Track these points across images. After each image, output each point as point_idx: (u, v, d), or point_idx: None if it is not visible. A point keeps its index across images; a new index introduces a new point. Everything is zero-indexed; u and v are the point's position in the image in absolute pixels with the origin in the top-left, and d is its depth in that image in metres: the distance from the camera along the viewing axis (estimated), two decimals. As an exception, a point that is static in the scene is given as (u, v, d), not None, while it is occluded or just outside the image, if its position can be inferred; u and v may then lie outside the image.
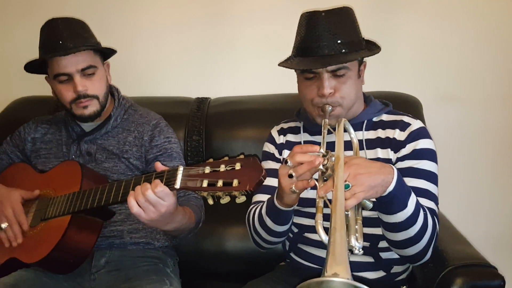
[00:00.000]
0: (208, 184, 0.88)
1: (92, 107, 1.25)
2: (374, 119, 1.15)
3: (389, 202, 0.91)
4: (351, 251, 0.79)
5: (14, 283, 1.11)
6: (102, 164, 1.29)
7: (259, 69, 1.78)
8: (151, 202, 0.92)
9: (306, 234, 1.14)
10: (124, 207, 1.24)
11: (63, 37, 1.20)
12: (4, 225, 1.17)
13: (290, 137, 1.22)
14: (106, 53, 1.32)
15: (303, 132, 1.20)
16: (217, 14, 1.80)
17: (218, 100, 1.69)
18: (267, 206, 1.07)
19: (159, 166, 0.97)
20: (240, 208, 1.19)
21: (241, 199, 0.88)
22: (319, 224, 0.82)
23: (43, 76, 1.30)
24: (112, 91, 1.37)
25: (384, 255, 1.08)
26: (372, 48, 1.11)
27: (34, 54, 1.26)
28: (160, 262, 1.26)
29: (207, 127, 1.58)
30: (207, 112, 1.62)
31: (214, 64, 1.82)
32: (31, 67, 1.26)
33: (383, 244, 1.06)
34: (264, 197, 1.15)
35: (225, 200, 0.90)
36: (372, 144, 1.11)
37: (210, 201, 0.92)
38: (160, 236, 1.30)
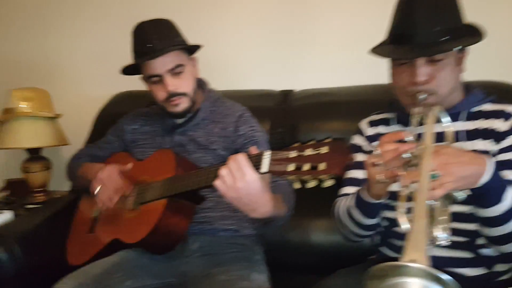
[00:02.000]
0: (295, 168, 0.89)
1: (183, 104, 1.32)
2: (474, 109, 1.07)
3: (483, 195, 0.86)
4: (434, 241, 0.75)
5: (119, 262, 1.21)
6: (192, 154, 1.35)
7: (344, 60, 1.76)
8: (231, 171, 0.93)
9: (397, 228, 1.09)
10: (214, 194, 1.29)
11: (152, 41, 1.26)
12: (98, 189, 1.27)
13: (381, 129, 1.18)
14: (193, 49, 1.38)
15: (397, 123, 1.16)
16: (300, 5, 1.81)
17: (303, 93, 1.69)
18: (355, 198, 1.05)
19: (252, 150, 0.99)
20: (326, 200, 1.19)
21: (328, 183, 0.87)
22: (400, 212, 0.79)
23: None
24: (200, 84, 1.43)
25: (484, 251, 1.01)
26: (475, 34, 1.02)
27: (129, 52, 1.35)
28: (249, 249, 1.29)
29: (291, 120, 1.59)
30: (292, 105, 1.63)
31: (298, 56, 1.83)
32: (128, 70, 1.35)
33: (482, 240, 0.99)
34: (351, 190, 1.13)
35: (311, 184, 0.90)
36: (470, 135, 1.04)
37: (297, 185, 0.92)
38: (248, 224, 1.33)
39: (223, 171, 0.95)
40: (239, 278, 1.14)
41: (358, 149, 1.20)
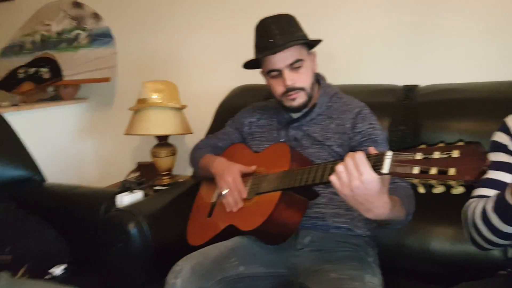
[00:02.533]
0: (420, 172, 0.83)
1: (300, 99, 1.32)
2: None
3: None
4: None
5: (234, 247, 1.27)
6: (306, 149, 1.35)
7: (477, 52, 1.59)
8: (347, 169, 0.91)
9: None
10: (328, 190, 1.28)
11: (273, 36, 1.28)
12: (225, 191, 1.33)
13: None
14: (313, 43, 1.37)
15: None
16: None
17: (429, 88, 1.57)
18: (495, 202, 0.95)
19: (371, 150, 0.96)
20: (450, 206, 1.09)
21: (458, 190, 0.80)
22: None
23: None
24: (318, 79, 1.42)
25: None
26: None
27: (252, 47, 1.38)
28: (362, 250, 1.25)
29: (415, 117, 1.49)
30: (416, 101, 1.53)
31: (424, 49, 1.71)
32: (249, 64, 1.39)
33: None
34: (488, 192, 1.02)
35: (438, 189, 0.83)
36: None
37: (421, 190, 0.87)
38: (362, 224, 1.29)
39: (340, 168, 0.93)
40: (351, 278, 1.11)
41: (501, 147, 1.07)
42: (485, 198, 0.99)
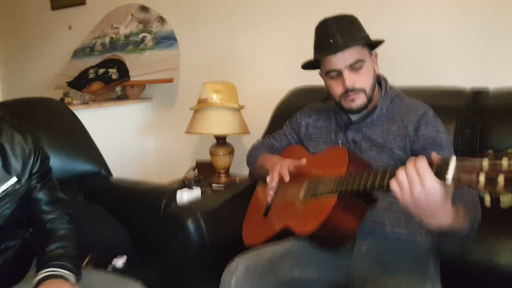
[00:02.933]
0: (487, 180, 0.79)
1: (359, 100, 1.29)
2: None
3: None
4: None
5: (289, 249, 1.27)
6: (366, 152, 1.32)
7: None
8: (409, 176, 0.88)
9: None
10: (387, 195, 1.24)
11: (333, 36, 1.26)
12: (268, 177, 1.35)
13: None
14: (375, 44, 1.34)
15: None
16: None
17: (499, 91, 1.48)
18: None
19: (434, 157, 0.92)
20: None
21: (529, 201, 0.75)
22: None
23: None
24: (379, 80, 1.38)
25: None
26: None
27: (310, 48, 1.38)
28: (422, 259, 1.20)
29: (482, 121, 1.41)
30: (484, 104, 1.44)
31: (494, 49, 1.61)
32: (308, 65, 1.38)
33: None
34: None
35: (507, 201, 0.78)
36: None
37: (487, 198, 0.82)
38: (422, 231, 1.24)
39: (401, 174, 0.91)
40: (411, 288, 1.08)
41: None
42: None
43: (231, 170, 2.20)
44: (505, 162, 0.78)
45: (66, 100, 2.39)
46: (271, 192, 1.37)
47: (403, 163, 1.24)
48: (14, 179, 1.11)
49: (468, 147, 1.41)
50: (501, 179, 0.76)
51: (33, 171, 1.15)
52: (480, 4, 1.65)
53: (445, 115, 1.38)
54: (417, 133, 1.25)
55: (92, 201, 1.69)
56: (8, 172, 1.10)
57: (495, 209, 0.82)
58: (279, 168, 1.33)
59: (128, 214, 1.61)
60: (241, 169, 2.25)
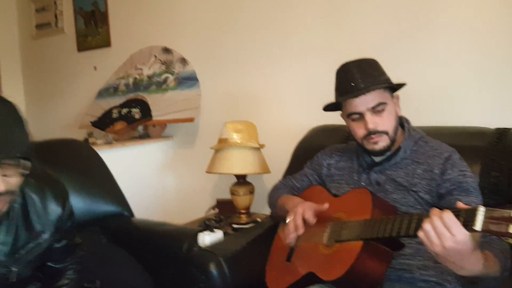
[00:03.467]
0: (518, 231, 0.77)
1: (382, 142, 1.29)
2: None
3: None
4: None
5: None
6: (390, 195, 1.31)
7: None
8: (436, 229, 0.88)
9: None
10: (415, 241, 1.22)
11: (355, 79, 1.27)
12: (288, 219, 1.33)
13: None
14: (396, 87, 1.35)
15: None
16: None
17: (524, 131, 1.46)
18: None
19: (460, 205, 0.91)
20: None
21: None
22: None
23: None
24: (402, 122, 1.39)
25: None
26: None
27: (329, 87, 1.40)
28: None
29: (509, 163, 1.38)
30: (510, 145, 1.42)
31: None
32: (328, 107, 1.39)
33: None
34: None
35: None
36: None
37: (520, 251, 0.80)
38: (452, 278, 1.21)
39: (427, 226, 0.91)
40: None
41: None
42: None
43: (252, 209, 2.19)
44: (536, 213, 0.76)
45: (91, 140, 2.45)
46: (291, 237, 1.35)
47: (430, 206, 1.24)
48: (44, 236, 1.14)
49: (495, 190, 1.38)
50: (533, 231, 0.75)
51: (60, 227, 1.18)
52: (501, 45, 1.66)
53: (470, 156, 1.36)
54: (443, 176, 1.24)
55: (114, 243, 1.69)
56: (39, 229, 1.13)
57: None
58: (303, 212, 1.32)
59: (150, 256, 1.61)
60: (261, 208, 2.24)
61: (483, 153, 1.44)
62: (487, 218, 0.83)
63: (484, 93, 1.70)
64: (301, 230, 1.31)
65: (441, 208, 1.18)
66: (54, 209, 1.15)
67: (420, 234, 0.93)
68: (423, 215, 0.99)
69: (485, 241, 1.08)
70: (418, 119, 1.47)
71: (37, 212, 1.12)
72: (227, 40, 2.47)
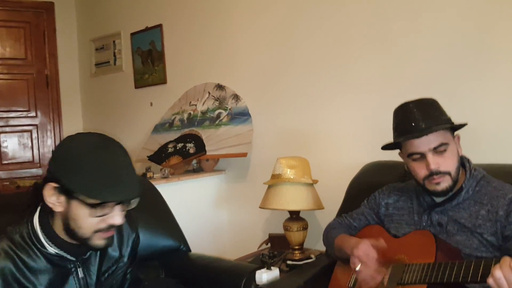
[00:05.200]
0: None
1: (444, 183, 1.28)
2: None
3: None
4: None
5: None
6: (453, 236, 1.28)
7: None
8: (507, 278, 0.88)
9: None
10: (480, 286, 1.18)
11: (416, 119, 1.28)
12: (358, 267, 1.30)
13: None
14: (457, 127, 1.34)
15: None
16: None
17: None
18: None
19: None
20: None
21: None
22: None
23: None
24: (463, 162, 1.37)
25: None
26: None
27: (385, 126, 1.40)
28: None
29: None
30: None
31: None
32: (386, 146, 1.40)
33: None
34: None
35: None
36: None
37: None
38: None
39: (498, 274, 0.89)
40: None
41: None
42: None
43: (305, 245, 2.19)
44: None
45: (148, 174, 2.55)
46: (366, 281, 1.31)
47: (496, 249, 1.20)
48: (123, 259, 1.23)
49: None
50: None
51: (135, 252, 1.27)
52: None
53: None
54: (508, 219, 1.21)
55: (173, 278, 1.74)
56: (117, 254, 1.23)
57: None
58: (366, 249, 1.30)
59: (208, 292, 1.65)
60: (314, 244, 2.23)
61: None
62: None
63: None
64: (379, 279, 1.27)
65: (506, 251, 1.15)
66: (130, 234, 1.24)
67: (490, 281, 0.92)
68: (490, 261, 0.97)
69: None
70: (478, 156, 1.45)
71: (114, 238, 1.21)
72: (280, 76, 2.54)
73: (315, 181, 2.13)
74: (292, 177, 2.07)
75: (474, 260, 1.03)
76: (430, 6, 1.95)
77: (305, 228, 2.12)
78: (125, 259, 1.24)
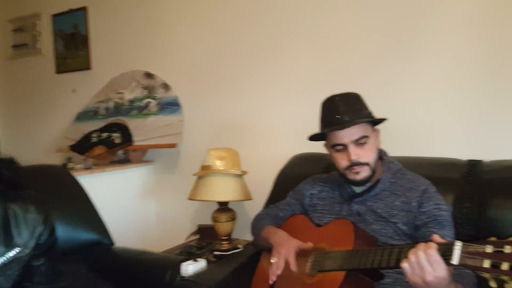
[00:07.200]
0: (491, 266, 0.82)
1: (364, 173, 1.35)
2: None
3: None
4: None
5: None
6: (370, 225, 1.36)
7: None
8: (420, 263, 0.93)
9: None
10: (393, 270, 1.26)
11: (340, 112, 1.34)
12: (274, 260, 1.35)
13: None
14: (378, 121, 1.41)
15: None
16: (494, 70, 1.70)
17: (494, 164, 1.54)
18: None
19: (436, 239, 0.97)
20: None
21: (534, 288, 0.78)
22: None
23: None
24: (381, 154, 1.45)
25: None
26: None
27: (312, 118, 1.44)
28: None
29: (481, 194, 1.46)
30: (481, 177, 1.50)
31: (489, 122, 1.70)
32: (313, 137, 1.44)
33: None
34: None
35: (511, 286, 0.82)
36: None
37: (493, 284, 0.85)
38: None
39: (412, 258, 0.95)
40: None
41: None
42: None
43: (234, 235, 2.21)
44: (508, 249, 0.82)
45: (69, 165, 2.42)
46: (274, 278, 1.35)
47: (408, 237, 1.29)
48: (19, 248, 1.14)
49: (468, 221, 1.45)
50: (505, 266, 0.80)
51: (40, 242, 1.18)
52: (474, 84, 1.76)
53: (444, 186, 1.44)
54: (420, 209, 1.30)
55: (95, 273, 1.67)
56: (17, 240, 1.14)
57: None
58: (286, 255, 1.33)
59: (132, 286, 1.60)
60: (243, 234, 2.26)
61: (456, 185, 1.51)
62: (464, 253, 0.89)
63: (458, 127, 1.79)
64: (280, 271, 1.33)
65: (417, 240, 1.24)
66: (35, 223, 1.16)
67: (404, 265, 0.98)
68: (405, 248, 1.04)
69: (456, 273, 1.14)
70: (395, 149, 1.54)
71: (17, 225, 1.14)
72: (212, 67, 2.51)
73: (245, 173, 2.15)
74: (221, 169, 2.07)
75: (388, 247, 1.10)
76: (359, 7, 2.04)
77: (233, 219, 2.14)
78: (27, 250, 1.16)
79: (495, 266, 0.82)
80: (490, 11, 1.72)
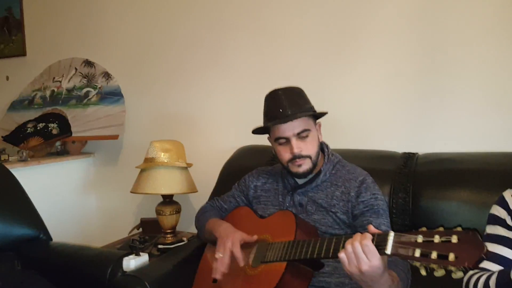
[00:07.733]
0: (421, 254, 0.87)
1: (306, 165, 1.38)
2: None
3: None
4: None
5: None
6: (312, 215, 1.39)
7: (475, 124, 1.67)
8: (356, 253, 0.97)
9: None
10: (332, 260, 1.31)
11: (283, 106, 1.36)
12: (219, 255, 1.35)
13: None
14: (319, 115, 1.45)
15: None
16: (428, 67, 1.79)
17: (428, 157, 1.63)
18: (498, 279, 0.99)
19: (372, 230, 1.01)
20: (456, 283, 1.12)
21: (458, 275, 0.84)
22: None
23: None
24: (322, 147, 1.49)
25: None
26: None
27: (257, 111, 1.46)
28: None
29: (414, 185, 1.54)
30: (415, 169, 1.58)
31: (424, 117, 1.79)
32: (257, 130, 1.46)
33: None
34: (489, 265, 1.07)
35: (439, 273, 0.87)
36: None
37: (423, 272, 0.91)
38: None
39: (349, 248, 0.99)
40: None
41: (499, 221, 1.12)
42: (485, 272, 1.04)
43: (178, 228, 2.18)
44: (436, 239, 0.87)
45: (2, 157, 2.28)
46: (218, 276, 1.35)
47: (347, 226, 1.34)
48: None
49: (402, 210, 1.52)
50: (434, 255, 0.85)
51: None
52: (409, 79, 1.85)
53: (380, 178, 1.50)
54: (358, 199, 1.35)
55: (31, 270, 1.60)
56: None
57: (430, 281, 0.90)
58: (231, 247, 1.34)
59: (71, 284, 1.55)
60: (187, 227, 2.24)
61: (392, 176, 1.59)
62: (396, 243, 0.93)
63: (395, 121, 1.87)
64: (228, 268, 1.33)
65: (355, 228, 1.29)
66: None
67: (341, 255, 1.01)
68: (340, 238, 1.08)
69: (391, 260, 1.20)
70: (336, 142, 1.59)
71: None
72: (156, 56, 2.45)
73: (190, 165, 2.13)
74: (166, 161, 2.04)
75: (327, 238, 1.14)
76: (301, 3, 2.06)
77: (178, 211, 2.12)
78: None
79: (424, 255, 0.87)
80: (424, 10, 1.80)
